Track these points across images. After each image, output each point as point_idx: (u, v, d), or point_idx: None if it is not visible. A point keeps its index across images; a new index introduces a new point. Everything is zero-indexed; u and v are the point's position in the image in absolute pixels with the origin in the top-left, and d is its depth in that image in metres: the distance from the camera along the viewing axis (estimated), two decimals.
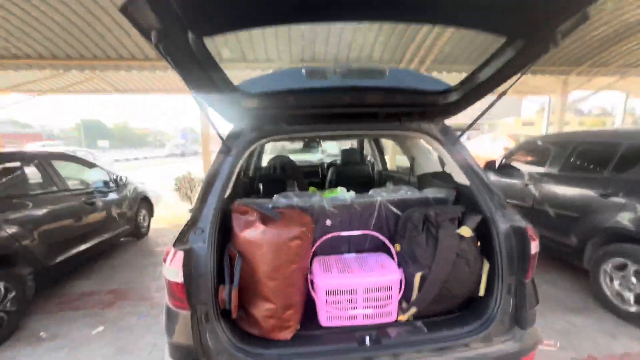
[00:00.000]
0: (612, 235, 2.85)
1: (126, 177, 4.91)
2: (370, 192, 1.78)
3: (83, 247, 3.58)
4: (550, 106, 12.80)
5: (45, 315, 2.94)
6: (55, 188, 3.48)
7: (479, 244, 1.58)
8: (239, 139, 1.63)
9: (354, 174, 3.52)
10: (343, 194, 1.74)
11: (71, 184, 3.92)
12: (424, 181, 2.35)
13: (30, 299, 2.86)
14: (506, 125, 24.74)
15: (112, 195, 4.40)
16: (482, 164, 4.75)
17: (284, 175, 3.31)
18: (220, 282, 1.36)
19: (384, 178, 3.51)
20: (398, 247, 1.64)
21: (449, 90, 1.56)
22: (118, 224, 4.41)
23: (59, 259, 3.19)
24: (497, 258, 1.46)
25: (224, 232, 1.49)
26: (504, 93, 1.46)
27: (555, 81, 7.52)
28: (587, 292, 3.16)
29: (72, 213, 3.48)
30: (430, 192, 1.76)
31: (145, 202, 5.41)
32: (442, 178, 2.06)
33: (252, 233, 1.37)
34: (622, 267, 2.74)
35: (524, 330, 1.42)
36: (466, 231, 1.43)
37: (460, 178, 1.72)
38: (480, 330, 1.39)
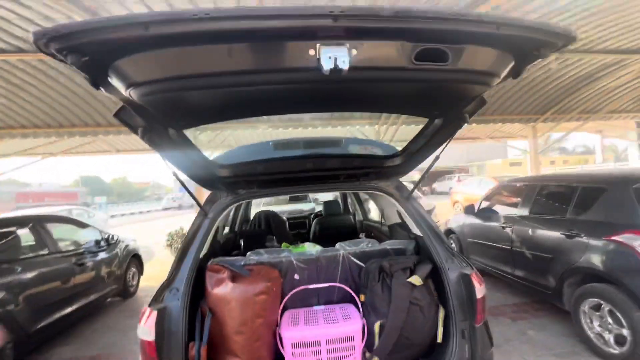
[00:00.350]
0: (584, 275, 2.95)
1: (117, 236, 5.01)
2: (337, 245, 1.95)
3: (68, 310, 3.56)
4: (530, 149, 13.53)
5: None
6: (46, 251, 3.58)
7: (435, 292, 1.72)
8: (216, 203, 1.85)
9: (336, 224, 3.69)
10: (310, 249, 1.91)
11: (63, 244, 4.04)
12: (393, 231, 2.53)
13: None
14: (493, 167, 25.60)
15: (103, 255, 4.47)
16: (469, 205, 4.93)
17: (268, 229, 3.47)
18: (191, 339, 1.46)
19: (365, 227, 3.68)
20: (362, 297, 1.76)
21: (394, 155, 1.83)
22: (106, 284, 4.41)
23: (43, 323, 3.17)
24: (450, 304, 1.59)
25: (200, 289, 1.63)
26: (437, 158, 1.72)
27: (525, 127, 8.17)
28: (574, 336, 3.14)
29: (60, 275, 3.53)
30: (389, 244, 1.93)
31: (135, 260, 5.43)
32: (405, 228, 2.25)
33: (222, 290, 1.51)
34: (597, 308, 2.79)
35: None
36: (416, 280, 1.57)
37: (416, 229, 1.91)
38: None
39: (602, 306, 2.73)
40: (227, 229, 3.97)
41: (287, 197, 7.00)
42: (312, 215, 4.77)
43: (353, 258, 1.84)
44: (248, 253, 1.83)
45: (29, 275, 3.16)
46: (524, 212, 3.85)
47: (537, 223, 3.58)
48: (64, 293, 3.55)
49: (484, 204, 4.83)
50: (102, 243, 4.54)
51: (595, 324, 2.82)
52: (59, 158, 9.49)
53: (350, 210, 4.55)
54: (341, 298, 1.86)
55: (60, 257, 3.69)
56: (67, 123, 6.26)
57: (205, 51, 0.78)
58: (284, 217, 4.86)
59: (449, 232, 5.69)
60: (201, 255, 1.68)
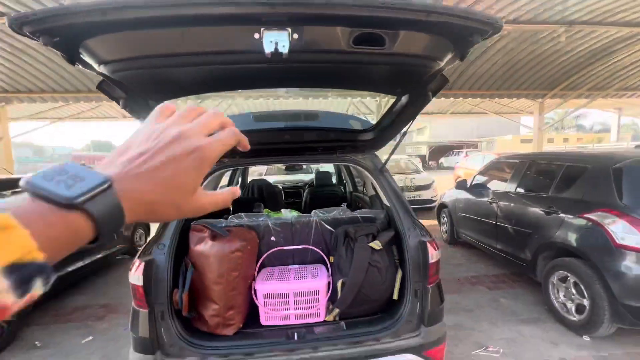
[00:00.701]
0: (557, 249, 3.10)
1: None
2: (312, 212, 2.11)
3: (79, 264, 3.93)
4: (551, 123, 13.18)
5: (41, 327, 3.24)
6: None
7: (397, 256, 1.89)
8: None
9: (326, 194, 3.86)
10: (287, 215, 2.08)
11: None
12: (372, 201, 2.68)
13: (28, 311, 3.18)
14: (504, 142, 25.06)
15: None
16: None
17: (260, 197, 3.67)
18: (176, 286, 1.69)
19: (354, 198, 3.84)
20: (332, 258, 1.96)
21: (367, 130, 1.93)
22: (114, 243, 4.77)
23: (57, 274, 3.53)
24: (407, 267, 1.76)
25: (186, 246, 1.84)
26: (405, 133, 1.82)
27: (532, 103, 7.94)
28: (543, 305, 3.36)
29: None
30: (360, 212, 2.09)
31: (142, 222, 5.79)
32: (380, 199, 2.39)
33: (203, 247, 1.71)
34: (564, 279, 2.97)
35: (428, 328, 1.69)
36: (376, 244, 1.74)
37: (386, 200, 2.05)
38: (390, 327, 1.68)
39: (569, 278, 2.91)
40: None
41: (286, 166, 7.16)
42: (306, 186, 4.94)
43: (325, 224, 2.01)
44: (230, 217, 2.02)
45: None
46: (511, 188, 3.95)
47: (521, 199, 3.69)
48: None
49: (479, 180, 4.92)
50: None
51: (561, 294, 3.01)
52: (68, 123, 9.73)
53: (344, 181, 4.71)
54: (315, 259, 2.06)
55: None
56: (72, 88, 6.38)
57: (160, 34, 0.88)
58: (280, 187, 5.07)
59: (442, 206, 5.84)
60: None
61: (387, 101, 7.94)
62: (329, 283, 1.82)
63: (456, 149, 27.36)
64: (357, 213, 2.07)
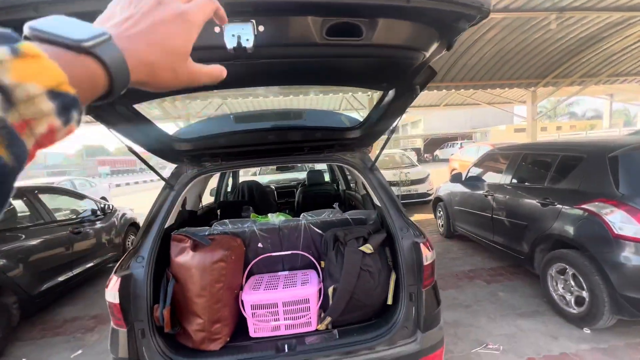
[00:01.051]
0: (555, 241, 3.05)
1: (113, 206, 5.19)
2: (300, 216, 2.02)
3: (69, 274, 3.81)
4: (544, 112, 13.18)
5: (29, 342, 3.13)
6: (42, 220, 3.75)
7: (390, 258, 1.81)
8: (181, 176, 1.90)
9: (319, 194, 3.77)
10: (273, 219, 1.99)
11: (59, 214, 4.24)
12: (365, 200, 2.60)
13: (14, 325, 3.07)
14: (498, 133, 25.11)
15: (100, 224, 4.66)
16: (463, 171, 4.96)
17: (250, 199, 3.57)
18: (157, 302, 1.59)
19: (346, 197, 3.76)
20: (323, 263, 1.87)
21: (355, 127, 1.84)
22: (105, 250, 4.65)
23: (44, 287, 3.42)
24: (400, 270, 1.68)
25: (167, 257, 1.74)
26: (394, 130, 1.72)
27: (525, 92, 7.88)
28: (541, 297, 3.32)
29: (58, 243, 3.73)
30: (350, 214, 2.00)
31: (133, 228, 5.65)
32: (370, 198, 2.31)
33: (184, 258, 1.62)
34: (563, 272, 2.92)
35: (424, 333, 1.62)
36: (367, 248, 1.66)
37: (376, 200, 1.96)
38: (385, 334, 1.60)
39: (567, 270, 2.86)
40: (213, 199, 4.09)
41: (276, 166, 7.04)
42: (299, 185, 4.84)
43: (314, 227, 1.93)
44: (214, 224, 1.92)
45: (26, 243, 3.35)
46: (506, 180, 3.89)
47: (516, 191, 3.63)
48: (63, 259, 3.77)
49: (474, 172, 4.86)
50: (99, 213, 4.71)
51: (560, 286, 2.97)
52: None
53: (337, 179, 4.62)
54: (305, 264, 1.98)
55: (56, 226, 3.87)
56: None
57: None
58: (272, 187, 4.97)
59: (438, 200, 5.77)
60: (167, 226, 1.77)
61: (378, 95, 7.81)
62: (320, 290, 1.74)
63: (451, 141, 27.38)
64: (348, 215, 1.99)
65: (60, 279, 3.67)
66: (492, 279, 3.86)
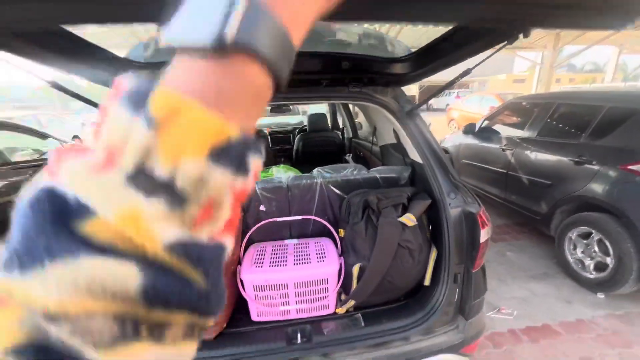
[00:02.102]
0: (580, 203, 2.78)
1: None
2: (314, 171, 1.57)
3: None
4: (543, 62, 12.36)
5: None
6: None
7: (430, 229, 1.43)
8: None
9: (322, 142, 3.27)
10: (278, 176, 1.52)
11: (18, 155, 3.63)
12: (385, 153, 2.14)
13: None
14: (497, 82, 24.14)
15: None
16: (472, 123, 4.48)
17: None
18: None
19: (353, 146, 3.28)
20: (342, 232, 1.48)
21: (403, 59, 1.29)
22: None
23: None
24: (445, 246, 1.31)
25: None
26: (468, 72, 1.18)
27: (547, 35, 7.04)
28: (551, 258, 3.18)
29: (13, 189, 3.20)
30: (379, 171, 1.56)
31: None
32: (401, 151, 1.85)
33: None
34: (586, 236, 2.71)
35: (468, 320, 1.32)
36: (409, 219, 1.26)
37: (414, 154, 1.51)
38: (422, 321, 1.29)
39: (592, 235, 2.63)
40: None
41: (271, 107, 6.29)
42: (297, 130, 4.28)
43: (333, 188, 1.49)
44: None
45: None
46: (531, 134, 3.47)
47: (543, 147, 3.24)
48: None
49: (489, 124, 4.40)
50: None
51: (579, 250, 2.78)
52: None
53: (340, 125, 4.07)
54: (318, 231, 1.59)
55: (10, 169, 3.29)
56: None
57: None
58: (266, 131, 4.40)
59: (444, 152, 5.39)
60: None
61: (388, 29, 6.76)
62: (340, 267, 1.37)
63: (448, 89, 26.28)
64: (376, 172, 1.54)
65: None
66: (499, 237, 3.69)
